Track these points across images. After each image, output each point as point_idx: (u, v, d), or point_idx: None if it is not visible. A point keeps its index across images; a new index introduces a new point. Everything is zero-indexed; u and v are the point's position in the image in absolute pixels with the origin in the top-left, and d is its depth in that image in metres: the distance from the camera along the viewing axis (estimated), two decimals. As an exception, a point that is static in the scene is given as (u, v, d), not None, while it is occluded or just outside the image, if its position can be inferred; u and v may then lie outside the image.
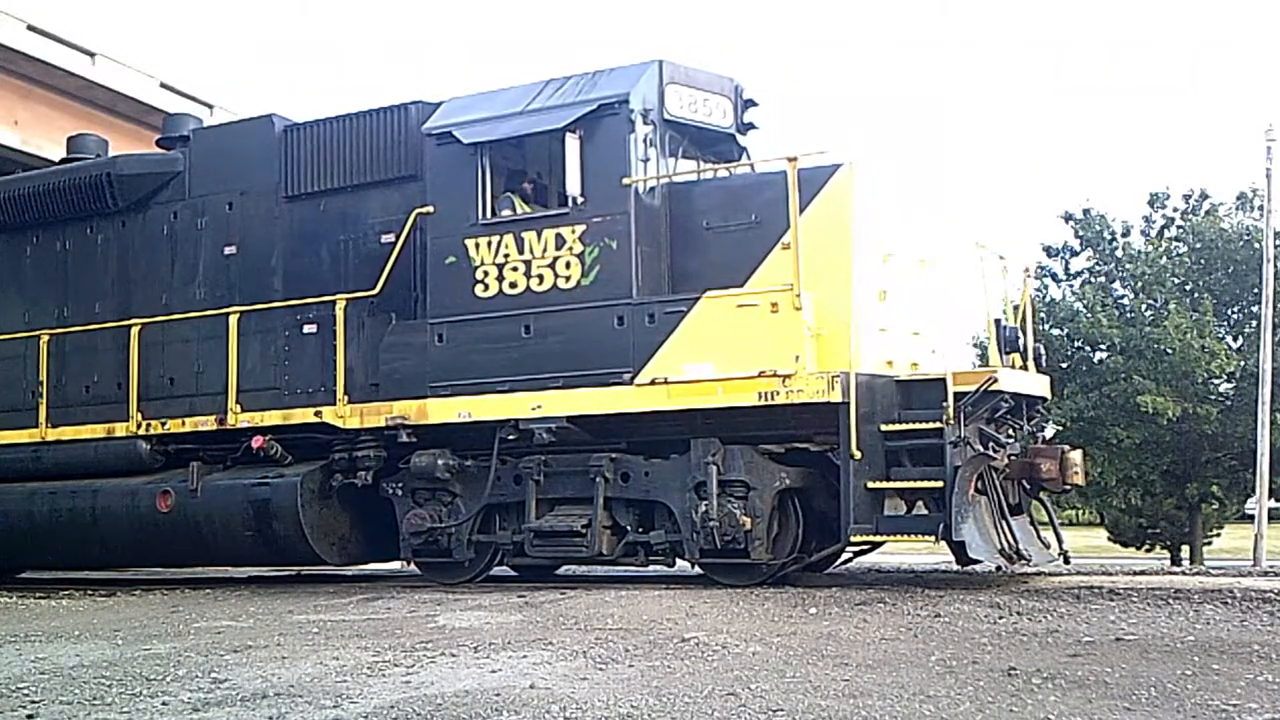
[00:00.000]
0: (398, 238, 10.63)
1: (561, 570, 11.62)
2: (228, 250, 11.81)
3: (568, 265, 9.78)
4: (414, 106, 10.93)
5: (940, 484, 8.70)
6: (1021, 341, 10.48)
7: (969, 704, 5.02)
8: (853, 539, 9.21)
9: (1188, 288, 30.43)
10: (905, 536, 9.05)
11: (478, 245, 10.13)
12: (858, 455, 8.83)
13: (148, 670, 6.41)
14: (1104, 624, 7.20)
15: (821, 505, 9.67)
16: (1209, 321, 28.81)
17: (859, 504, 8.86)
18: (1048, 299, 31.83)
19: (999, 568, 9.67)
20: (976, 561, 8.87)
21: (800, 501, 9.70)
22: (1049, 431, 10.20)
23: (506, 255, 10.01)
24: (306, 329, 11.19)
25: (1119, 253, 31.49)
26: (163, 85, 22.59)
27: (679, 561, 9.98)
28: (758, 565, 9.45)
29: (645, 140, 9.92)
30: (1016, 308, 11.07)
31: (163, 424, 11.76)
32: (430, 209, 10.42)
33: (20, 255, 13.10)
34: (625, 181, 9.64)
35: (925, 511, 9.06)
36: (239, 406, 11.34)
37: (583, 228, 9.75)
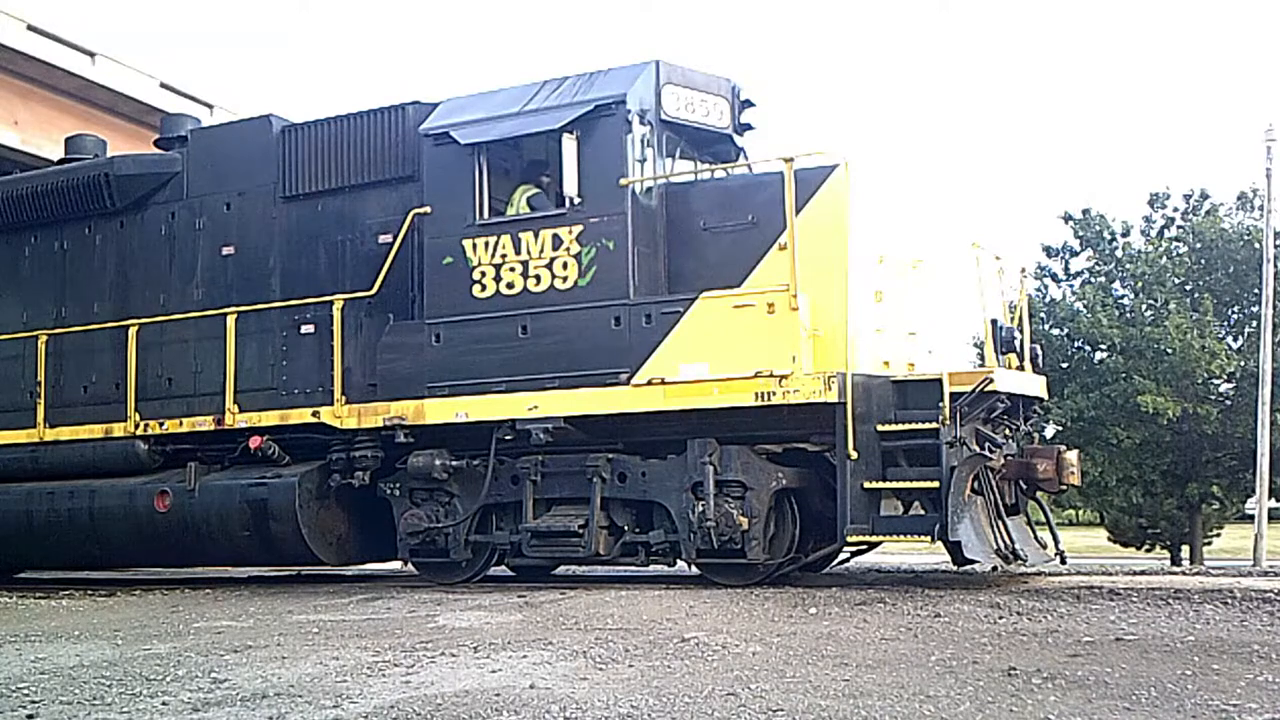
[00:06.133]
0: (395, 238, 10.62)
1: (560, 570, 11.63)
2: (225, 251, 11.80)
3: (565, 266, 9.78)
4: (411, 107, 10.94)
5: (936, 484, 8.70)
6: (1018, 341, 10.48)
7: (969, 704, 5.02)
8: (849, 539, 9.21)
9: (1188, 288, 30.48)
10: (902, 537, 9.04)
11: (475, 246, 10.13)
12: (854, 455, 8.83)
13: (148, 670, 6.41)
14: (1104, 624, 7.20)
15: (818, 505, 9.68)
16: (1209, 321, 28.86)
17: (855, 504, 8.86)
18: (1048, 299, 31.90)
19: (995, 568, 9.68)
20: (973, 561, 8.87)
21: (797, 501, 9.70)
22: (1049, 431, 10.21)
23: (504, 256, 10.01)
24: (304, 329, 11.19)
25: (1119, 253, 31.53)
26: (163, 85, 22.60)
27: (679, 561, 9.98)
28: (754, 565, 9.45)
29: (642, 141, 9.92)
30: (1013, 307, 11.07)
31: (160, 424, 11.76)
32: (427, 209, 10.42)
33: (19, 255, 13.10)
34: (622, 182, 9.64)
35: (921, 512, 9.05)
36: (237, 407, 11.34)
37: (579, 228, 9.76)
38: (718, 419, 9.35)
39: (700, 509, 9.31)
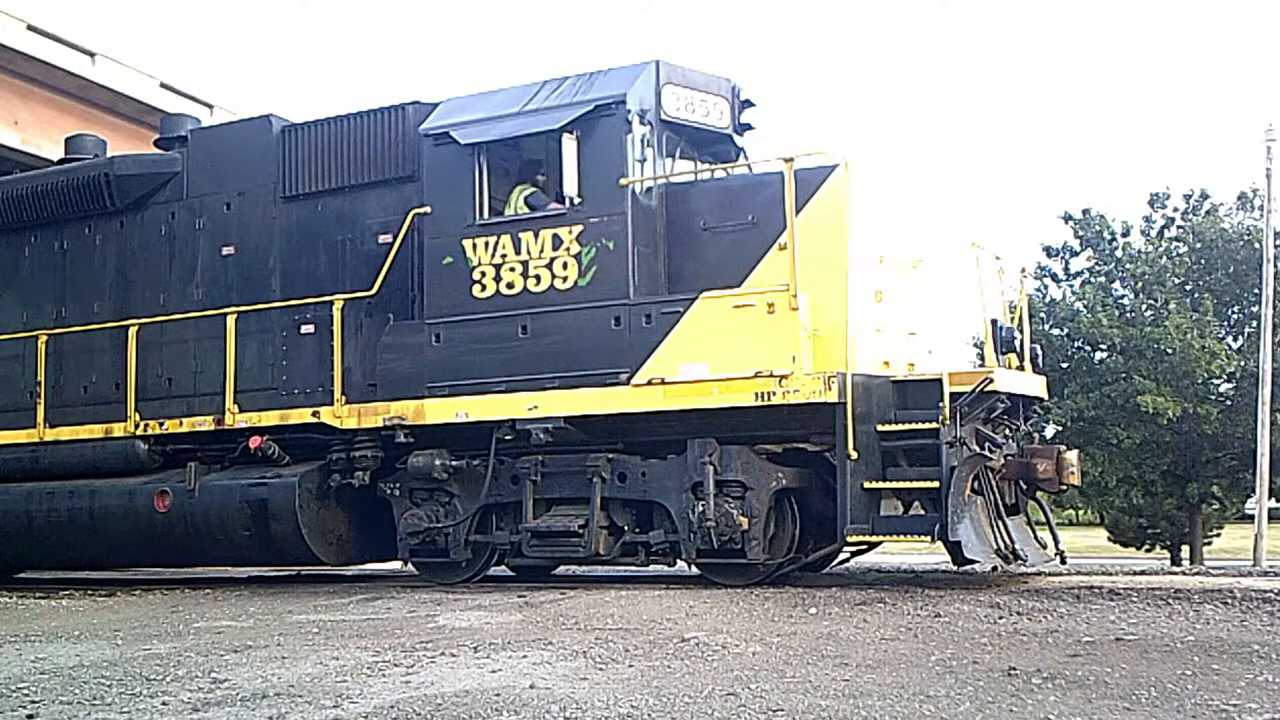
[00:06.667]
0: (395, 238, 10.63)
1: (560, 570, 11.63)
2: (225, 251, 11.81)
3: (565, 266, 9.78)
4: (411, 107, 10.94)
5: (936, 484, 8.70)
6: (1018, 341, 10.48)
7: (969, 704, 5.02)
8: (849, 539, 9.21)
9: (1188, 288, 30.47)
10: (902, 537, 9.04)
11: (475, 246, 10.13)
12: (854, 455, 8.83)
13: (148, 670, 6.41)
14: (1104, 624, 7.20)
15: (818, 505, 9.68)
16: (1209, 321, 28.85)
17: (855, 504, 8.86)
18: (1048, 299, 31.90)
19: (995, 568, 9.68)
20: (973, 561, 8.87)
21: (797, 501, 9.70)
22: (1049, 431, 10.22)
23: (504, 256, 10.01)
24: (304, 329, 11.19)
25: (1119, 253, 31.52)
26: (163, 85, 22.60)
27: (679, 561, 9.98)
28: (754, 565, 9.45)
29: (642, 141, 9.92)
30: (1013, 307, 11.07)
31: (160, 424, 11.76)
32: (428, 209, 10.42)
33: (19, 255, 13.10)
34: (622, 182, 9.64)
35: (921, 512, 9.05)
36: (237, 407, 11.35)
37: (580, 228, 9.76)
38: (718, 419, 9.35)
39: (700, 509, 9.31)
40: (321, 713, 5.19)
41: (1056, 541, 9.91)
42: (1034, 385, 10.06)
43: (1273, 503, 29.30)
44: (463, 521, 10.41)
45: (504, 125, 10.20)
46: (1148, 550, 33.14)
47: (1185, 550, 31.15)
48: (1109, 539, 34.45)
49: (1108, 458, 29.61)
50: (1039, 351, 11.17)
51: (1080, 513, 44.34)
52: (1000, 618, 7.48)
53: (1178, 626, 7.02)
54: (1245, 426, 27.29)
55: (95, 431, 12.14)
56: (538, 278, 9.88)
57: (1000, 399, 9.16)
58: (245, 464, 11.31)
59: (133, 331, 11.96)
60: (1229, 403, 29.78)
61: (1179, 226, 31.44)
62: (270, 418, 11.17)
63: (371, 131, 11.09)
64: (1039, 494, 10.02)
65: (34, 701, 5.68)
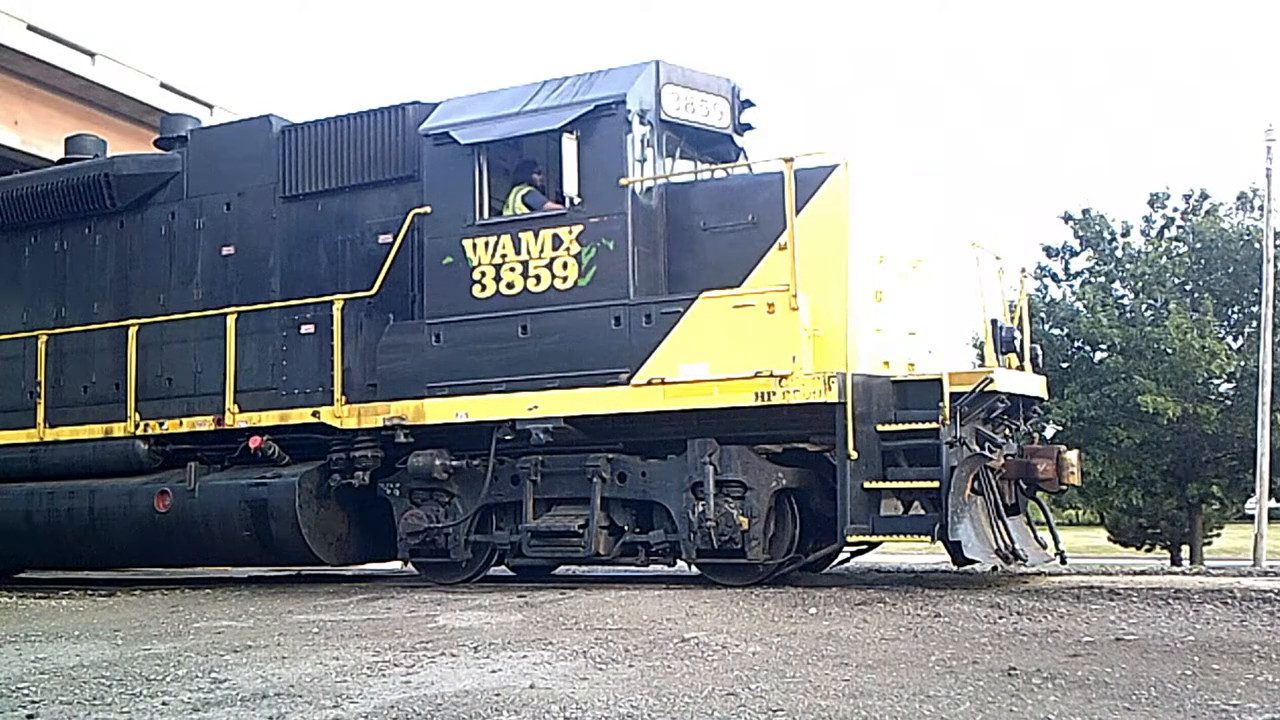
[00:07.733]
0: (395, 238, 10.63)
1: (560, 570, 11.63)
2: (225, 251, 11.81)
3: (565, 266, 9.78)
4: (411, 107, 10.94)
5: (936, 484, 8.70)
6: (1018, 341, 10.48)
7: (969, 704, 5.02)
8: (849, 539, 9.21)
9: (1188, 288, 30.44)
10: (902, 537, 9.05)
11: (475, 246, 10.13)
12: (854, 455, 8.83)
13: (148, 670, 6.41)
14: (1104, 624, 7.20)
15: (818, 505, 9.67)
16: (1209, 321, 28.81)
17: (855, 504, 8.86)
18: (1048, 299, 31.85)
19: (995, 568, 9.68)
20: (973, 561, 8.88)
21: (797, 501, 9.70)
22: (1049, 431, 10.22)
23: (504, 256, 10.02)
24: (304, 329, 11.19)
25: (1119, 253, 31.49)
26: (163, 85, 22.61)
27: (679, 561, 9.98)
28: (754, 565, 9.45)
29: (642, 141, 9.92)
30: (1013, 307, 11.08)
31: (160, 424, 11.77)
32: (428, 209, 10.42)
33: (19, 255, 13.10)
34: (622, 182, 9.64)
35: (921, 511, 9.05)
36: (237, 407, 11.35)
37: (579, 228, 9.76)
38: (718, 419, 9.36)
39: (700, 509, 9.31)
40: (321, 713, 5.19)
41: (1056, 541, 9.92)
42: (1034, 385, 10.06)
43: (1273, 503, 29.26)
44: (463, 521, 10.41)
45: (504, 125, 10.20)
46: (1148, 550, 33.11)
47: (1185, 550, 31.12)
48: (1109, 539, 34.41)
49: (1108, 458, 29.58)
50: (1039, 351, 11.17)
51: (1080, 513, 44.26)
52: (1000, 618, 7.49)
53: (1178, 626, 7.02)
54: (1245, 426, 27.26)
55: (95, 431, 12.14)
56: (538, 278, 9.88)
57: (1000, 399, 9.16)
58: (245, 464, 11.32)
59: (133, 331, 11.97)
60: (1229, 403, 29.73)
61: (1179, 226, 31.40)
62: (270, 418, 11.17)
63: (371, 131, 11.09)
64: (1039, 494, 10.02)
65: (34, 701, 5.68)
